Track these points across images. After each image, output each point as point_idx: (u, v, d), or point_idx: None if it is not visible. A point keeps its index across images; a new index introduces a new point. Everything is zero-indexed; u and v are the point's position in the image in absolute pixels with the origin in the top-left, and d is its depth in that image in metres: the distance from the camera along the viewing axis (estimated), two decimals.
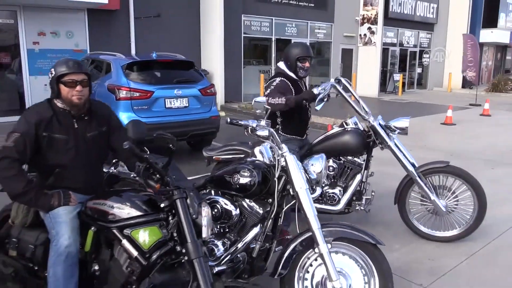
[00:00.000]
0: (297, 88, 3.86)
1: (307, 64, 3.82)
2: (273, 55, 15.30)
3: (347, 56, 17.88)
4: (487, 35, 23.39)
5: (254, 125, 2.48)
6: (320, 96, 3.56)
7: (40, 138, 2.27)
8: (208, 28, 13.08)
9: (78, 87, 2.32)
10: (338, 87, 3.91)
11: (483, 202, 3.75)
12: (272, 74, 4.06)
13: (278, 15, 15.15)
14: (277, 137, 2.53)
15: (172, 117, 6.08)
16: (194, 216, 1.97)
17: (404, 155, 3.95)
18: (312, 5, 16.17)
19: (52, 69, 2.37)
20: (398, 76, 19.12)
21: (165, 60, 6.64)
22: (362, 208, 3.98)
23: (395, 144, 3.95)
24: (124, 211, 2.12)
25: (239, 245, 2.54)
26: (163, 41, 12.09)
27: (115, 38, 11.52)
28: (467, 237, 3.86)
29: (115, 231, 2.09)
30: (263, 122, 2.50)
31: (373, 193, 4.07)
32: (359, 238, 2.46)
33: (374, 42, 17.62)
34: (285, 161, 2.51)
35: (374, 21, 17.57)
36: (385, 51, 19.03)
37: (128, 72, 6.12)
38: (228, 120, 2.57)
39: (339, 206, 3.90)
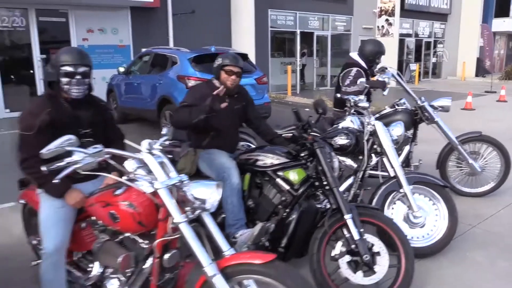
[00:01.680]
0: (367, 77, 4.69)
1: (381, 60, 4.69)
2: (298, 47, 16.10)
3: None
4: (499, 25, 24.03)
5: (357, 99, 3.35)
6: (386, 84, 4.43)
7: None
8: (238, 23, 13.91)
9: (234, 76, 3.20)
10: (395, 76, 4.73)
11: (507, 158, 4.63)
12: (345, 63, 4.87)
13: (302, 9, 15.95)
14: (369, 110, 3.41)
15: None
16: (328, 160, 2.84)
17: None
18: None
19: (219, 59, 3.22)
20: (414, 66, 19.85)
21: (222, 52, 7.50)
22: None
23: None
24: (271, 159, 3.01)
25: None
26: (197, 35, 12.95)
27: (155, 34, 12.40)
28: (500, 192, 4.72)
29: (269, 172, 2.98)
30: (362, 97, 3.38)
31: (420, 161, 4.91)
32: (431, 181, 3.34)
33: (392, 34, 18.35)
34: (374, 126, 3.38)
35: (392, 13, 18.29)
36: (401, 42, 19.76)
37: (194, 64, 7.00)
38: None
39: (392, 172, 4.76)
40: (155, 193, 2.09)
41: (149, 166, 2.10)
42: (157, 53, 8.16)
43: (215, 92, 3.13)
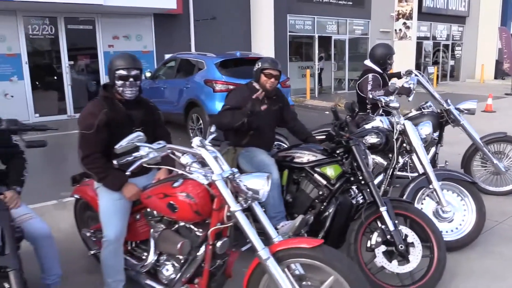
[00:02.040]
0: (384, 80, 4.86)
1: (393, 60, 4.85)
2: (316, 51, 16.28)
3: None
4: None
5: (388, 99, 3.54)
6: (412, 89, 4.58)
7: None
8: (258, 28, 14.15)
9: (273, 79, 3.40)
10: (421, 79, 4.88)
11: None
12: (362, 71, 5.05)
13: (320, 14, 16.13)
14: (399, 111, 3.59)
15: None
16: (363, 156, 3.03)
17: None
18: (351, 3, 17.09)
19: (259, 63, 3.43)
20: (432, 69, 19.84)
21: (247, 57, 7.75)
22: None
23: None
24: (308, 156, 3.21)
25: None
26: (218, 40, 13.21)
27: (177, 40, 12.71)
28: None
29: (307, 169, 3.17)
30: (392, 97, 3.56)
31: (447, 163, 5.03)
32: (460, 178, 3.49)
33: (409, 37, 18.43)
34: (404, 126, 3.56)
35: (409, 16, 18.38)
36: (418, 45, 19.79)
37: (220, 68, 7.24)
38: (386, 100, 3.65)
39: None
40: (210, 185, 2.31)
41: (206, 160, 2.31)
42: (183, 59, 8.42)
43: (254, 96, 3.35)
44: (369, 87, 4.68)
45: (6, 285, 1.89)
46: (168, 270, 2.58)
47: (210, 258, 2.43)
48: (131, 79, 2.72)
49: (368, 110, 4.83)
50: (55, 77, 11.24)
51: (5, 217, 1.97)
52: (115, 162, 2.27)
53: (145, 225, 2.81)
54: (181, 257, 2.53)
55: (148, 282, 2.68)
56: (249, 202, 2.29)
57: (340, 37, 17.14)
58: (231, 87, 7.01)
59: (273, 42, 13.95)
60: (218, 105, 6.89)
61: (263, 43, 14.02)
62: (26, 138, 2.73)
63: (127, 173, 2.29)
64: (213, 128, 2.80)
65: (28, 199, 3.02)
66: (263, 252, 2.15)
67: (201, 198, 2.34)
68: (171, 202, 2.38)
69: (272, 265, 2.13)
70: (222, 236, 2.45)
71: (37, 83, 10.95)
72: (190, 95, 7.45)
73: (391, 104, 3.56)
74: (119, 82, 2.71)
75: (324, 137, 5.04)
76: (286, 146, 4.53)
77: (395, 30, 18.78)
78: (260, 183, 2.27)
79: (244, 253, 2.74)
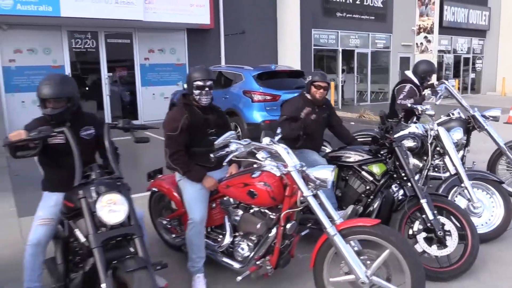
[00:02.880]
0: (419, 92, 5.34)
1: (431, 78, 5.34)
2: (340, 64, 16.79)
3: (405, 63, 19.12)
4: None
5: (424, 108, 4.03)
6: (440, 95, 5.06)
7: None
8: (284, 42, 14.74)
9: (321, 90, 3.91)
10: (449, 88, 5.34)
11: None
12: (399, 80, 5.55)
13: (344, 28, 16.67)
14: (433, 118, 4.07)
15: None
16: (405, 156, 3.50)
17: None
18: (373, 18, 17.59)
19: (310, 76, 3.95)
20: (453, 82, 20.06)
21: (282, 70, 8.30)
22: None
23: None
24: (355, 155, 3.70)
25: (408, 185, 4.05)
26: (246, 53, 13.82)
27: (208, 53, 13.36)
28: None
29: (355, 167, 3.66)
30: (428, 106, 4.05)
31: (474, 163, 5.43)
32: (489, 177, 3.94)
33: (431, 50, 18.82)
34: (437, 131, 4.03)
35: (430, 30, 18.79)
36: (439, 58, 20.14)
37: (258, 80, 7.79)
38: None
39: (447, 174, 5.34)
40: (283, 175, 2.82)
41: (280, 154, 2.82)
42: (221, 71, 9.01)
43: (303, 115, 3.86)
44: (401, 96, 5.16)
45: (132, 249, 2.40)
46: (244, 249, 3.07)
47: (280, 238, 2.93)
48: (206, 89, 3.25)
49: (400, 117, 5.30)
50: (95, 88, 11.96)
51: (129, 195, 2.49)
52: (212, 155, 2.80)
53: (219, 212, 3.32)
54: (254, 238, 3.03)
55: (225, 259, 3.18)
56: (317, 189, 2.78)
57: (363, 51, 17.61)
58: (268, 97, 7.57)
59: (299, 55, 14.50)
60: (256, 114, 7.45)
61: (289, 56, 14.58)
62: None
63: (224, 163, 2.81)
64: (278, 130, 3.31)
65: None
66: (331, 229, 2.63)
67: (276, 186, 2.84)
68: (251, 190, 2.88)
69: (338, 239, 2.62)
70: (290, 220, 2.94)
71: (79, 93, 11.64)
72: (229, 105, 8.00)
73: (427, 112, 4.04)
74: (196, 91, 3.25)
75: (363, 139, 5.56)
76: (328, 149, 5.00)
77: (416, 43, 19.20)
78: (326, 174, 2.77)
79: None
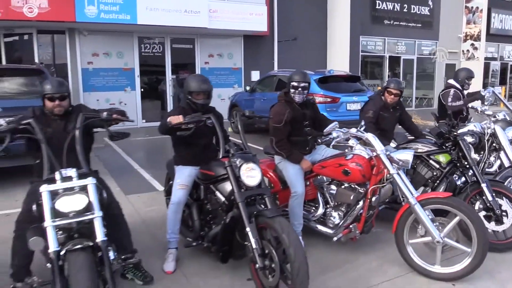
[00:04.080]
0: (463, 96, 5.96)
1: (471, 82, 5.97)
2: (386, 70, 17.31)
3: (451, 70, 19.35)
4: None
5: (483, 108, 4.67)
6: (487, 97, 5.67)
7: None
8: (333, 48, 15.45)
9: (393, 96, 4.61)
10: (495, 92, 5.94)
11: None
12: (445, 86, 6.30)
13: (390, 36, 17.19)
14: (490, 118, 4.70)
15: (351, 117, 8.37)
16: (467, 148, 4.15)
17: None
18: (420, 25, 18.01)
19: (386, 82, 4.65)
20: (499, 89, 20.20)
21: (339, 75, 9.02)
22: None
23: None
24: (423, 147, 4.38)
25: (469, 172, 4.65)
26: (297, 59, 14.58)
27: (262, 58, 14.22)
28: None
29: (424, 156, 4.34)
30: (487, 107, 4.69)
31: None
32: None
33: (477, 57, 19.02)
34: (494, 129, 4.65)
35: (477, 38, 19.00)
36: (485, 65, 20.27)
37: (319, 84, 8.54)
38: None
39: (492, 169, 5.90)
40: (371, 158, 3.56)
41: (370, 140, 3.56)
42: (283, 75, 9.81)
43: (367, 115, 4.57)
44: (449, 99, 5.81)
45: (263, 206, 3.18)
46: (335, 218, 3.82)
47: (366, 209, 3.66)
48: (299, 89, 4.02)
49: (466, 115, 5.95)
50: (160, 89, 13.02)
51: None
52: (319, 140, 3.58)
53: (312, 189, 4.08)
54: (343, 208, 3.77)
55: (318, 226, 3.94)
56: (399, 169, 3.50)
57: (408, 57, 18.05)
58: (328, 99, 8.30)
59: (348, 61, 15.14)
60: None
61: (338, 62, 15.24)
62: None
63: (331, 146, 3.58)
64: (362, 122, 4.04)
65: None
66: (412, 199, 3.35)
67: (366, 166, 3.59)
68: (346, 169, 3.64)
69: (418, 207, 3.33)
70: (375, 194, 3.67)
71: (145, 94, 12.75)
72: None
73: (486, 112, 4.68)
74: (292, 90, 4.02)
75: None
76: (393, 143, 5.66)
77: (463, 51, 19.43)
78: (408, 156, 3.49)
79: None
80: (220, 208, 3.39)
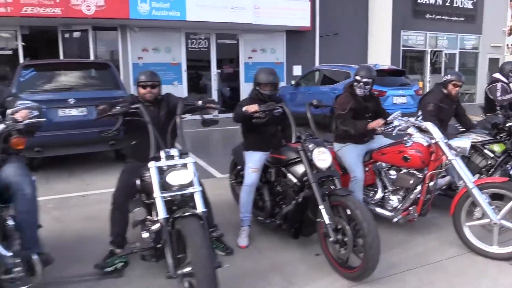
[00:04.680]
0: (510, 88, 6.07)
1: None
2: (427, 64, 17.22)
3: (494, 65, 19.04)
4: None
5: None
6: None
7: None
8: (375, 43, 15.54)
9: (457, 88, 4.82)
10: None
11: None
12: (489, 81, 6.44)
13: (432, 30, 17.08)
14: None
15: (397, 110, 8.54)
16: None
17: None
18: (462, 19, 17.80)
19: (449, 75, 4.87)
20: None
21: (384, 69, 9.19)
22: None
23: None
24: (477, 137, 4.59)
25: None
26: (338, 54, 14.72)
27: (303, 53, 14.46)
28: None
29: (478, 146, 4.55)
30: None
31: None
32: None
33: None
34: None
35: None
36: None
37: None
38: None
39: None
40: (430, 145, 3.82)
41: (428, 129, 3.82)
42: (327, 69, 10.07)
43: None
44: (498, 94, 5.94)
45: (333, 186, 3.50)
46: (393, 201, 4.10)
47: (425, 193, 3.93)
48: (361, 83, 4.29)
49: (497, 111, 6.07)
50: (206, 83, 13.49)
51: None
52: (380, 130, 3.88)
53: (371, 174, 4.36)
54: (402, 192, 4.05)
55: (377, 209, 4.22)
56: (457, 155, 3.75)
57: (451, 51, 17.87)
58: (375, 93, 8.48)
59: (389, 56, 15.20)
60: None
61: (379, 57, 15.29)
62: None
63: (394, 134, 3.87)
64: (419, 113, 4.29)
65: None
66: (470, 183, 3.60)
67: (425, 153, 3.85)
68: (406, 155, 3.91)
69: (476, 191, 3.58)
70: (432, 179, 3.93)
71: (191, 88, 13.24)
72: None
73: None
74: (355, 84, 4.31)
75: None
76: None
77: (507, 45, 19.07)
78: (465, 143, 3.74)
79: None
80: (291, 189, 3.73)
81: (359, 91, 4.31)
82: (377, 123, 4.04)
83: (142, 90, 3.53)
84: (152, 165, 2.92)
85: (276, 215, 3.91)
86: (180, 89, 12.90)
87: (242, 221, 4.04)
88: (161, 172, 2.92)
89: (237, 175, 4.71)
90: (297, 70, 14.15)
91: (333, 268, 3.39)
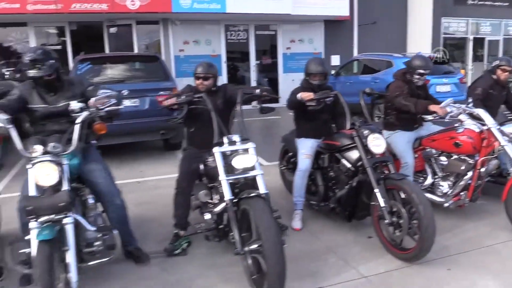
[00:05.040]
0: None
1: None
2: (470, 52, 16.81)
3: None
4: None
5: None
6: None
7: None
8: (414, 31, 15.30)
9: (507, 73, 4.78)
10: None
11: None
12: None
13: (474, 16, 16.63)
14: None
15: (440, 98, 8.46)
16: None
17: None
18: (506, 4, 17.23)
19: (497, 60, 4.86)
20: None
21: (430, 57, 9.10)
22: None
23: None
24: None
25: None
26: (376, 43, 14.57)
27: (342, 42, 14.40)
28: None
29: None
30: None
31: None
32: None
33: None
34: None
35: None
36: None
37: None
38: None
39: None
40: (481, 131, 3.86)
41: (481, 115, 3.87)
42: (368, 59, 10.06)
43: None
44: None
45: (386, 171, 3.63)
46: (443, 187, 4.17)
47: (476, 179, 3.98)
48: (418, 74, 4.33)
49: None
50: (244, 74, 13.69)
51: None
52: (430, 117, 3.96)
53: (420, 161, 4.44)
54: (452, 178, 4.11)
55: (427, 195, 4.28)
56: (510, 141, 3.78)
57: (494, 38, 17.37)
58: None
59: (430, 44, 14.94)
60: None
61: (418, 45, 15.04)
62: None
63: (447, 120, 3.95)
64: (470, 99, 4.32)
65: None
66: None
67: (476, 139, 3.90)
68: (457, 141, 3.97)
69: None
70: (483, 165, 3.97)
71: (231, 79, 13.47)
72: (380, 88, 9.01)
73: None
74: (415, 76, 4.35)
75: None
76: None
77: None
78: None
79: None
80: (345, 174, 3.86)
81: (416, 81, 4.37)
82: (439, 108, 4.03)
83: (196, 81, 3.73)
84: (216, 150, 3.12)
85: (329, 199, 4.05)
86: (220, 81, 13.03)
87: (295, 204, 4.21)
88: (225, 156, 3.13)
89: (288, 162, 4.86)
90: (336, 60, 14.11)
91: (386, 250, 3.52)
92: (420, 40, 15.10)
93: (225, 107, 3.82)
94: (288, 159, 4.85)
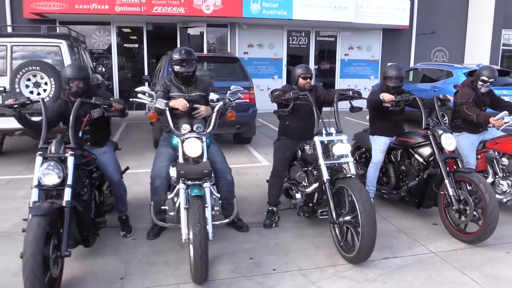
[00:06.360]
0: None
1: None
2: None
3: None
4: None
5: None
6: None
7: None
8: (474, 42, 15.44)
9: None
10: None
11: None
12: None
13: None
14: None
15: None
16: None
17: None
18: None
19: None
20: None
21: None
22: None
23: None
24: None
25: None
26: (433, 52, 14.93)
27: (399, 51, 14.81)
28: None
29: None
30: None
31: None
32: None
33: None
34: None
35: None
36: None
37: (468, 77, 9.09)
38: None
39: None
40: None
41: None
42: (427, 68, 10.50)
43: None
44: None
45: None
46: (504, 185, 4.69)
47: None
48: (487, 83, 4.85)
49: None
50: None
51: None
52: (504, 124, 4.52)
53: (483, 161, 4.97)
54: (511, 178, 4.63)
55: None
56: None
57: None
58: None
59: (488, 56, 15.07)
60: None
61: (476, 56, 15.22)
62: None
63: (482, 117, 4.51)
64: None
65: None
66: None
67: None
68: None
69: None
70: None
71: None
72: None
73: None
74: (480, 83, 4.89)
75: None
76: None
77: None
78: None
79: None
80: (417, 167, 4.47)
81: (483, 89, 4.92)
82: (499, 122, 4.59)
83: (302, 81, 4.43)
84: (317, 139, 3.83)
85: (400, 189, 4.67)
86: (279, 83, 13.88)
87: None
88: (322, 145, 3.84)
89: (360, 157, 5.51)
90: None
91: (451, 234, 4.11)
92: (478, 51, 15.26)
93: (317, 105, 4.52)
94: (360, 154, 5.49)
